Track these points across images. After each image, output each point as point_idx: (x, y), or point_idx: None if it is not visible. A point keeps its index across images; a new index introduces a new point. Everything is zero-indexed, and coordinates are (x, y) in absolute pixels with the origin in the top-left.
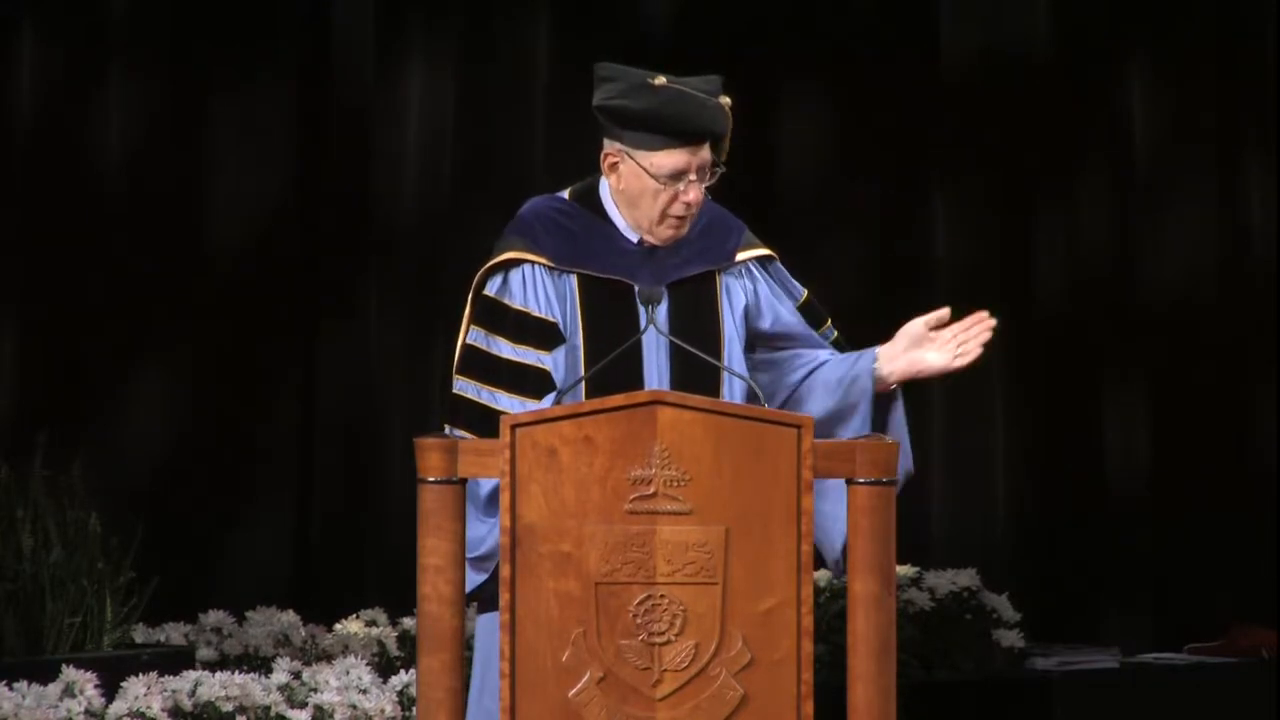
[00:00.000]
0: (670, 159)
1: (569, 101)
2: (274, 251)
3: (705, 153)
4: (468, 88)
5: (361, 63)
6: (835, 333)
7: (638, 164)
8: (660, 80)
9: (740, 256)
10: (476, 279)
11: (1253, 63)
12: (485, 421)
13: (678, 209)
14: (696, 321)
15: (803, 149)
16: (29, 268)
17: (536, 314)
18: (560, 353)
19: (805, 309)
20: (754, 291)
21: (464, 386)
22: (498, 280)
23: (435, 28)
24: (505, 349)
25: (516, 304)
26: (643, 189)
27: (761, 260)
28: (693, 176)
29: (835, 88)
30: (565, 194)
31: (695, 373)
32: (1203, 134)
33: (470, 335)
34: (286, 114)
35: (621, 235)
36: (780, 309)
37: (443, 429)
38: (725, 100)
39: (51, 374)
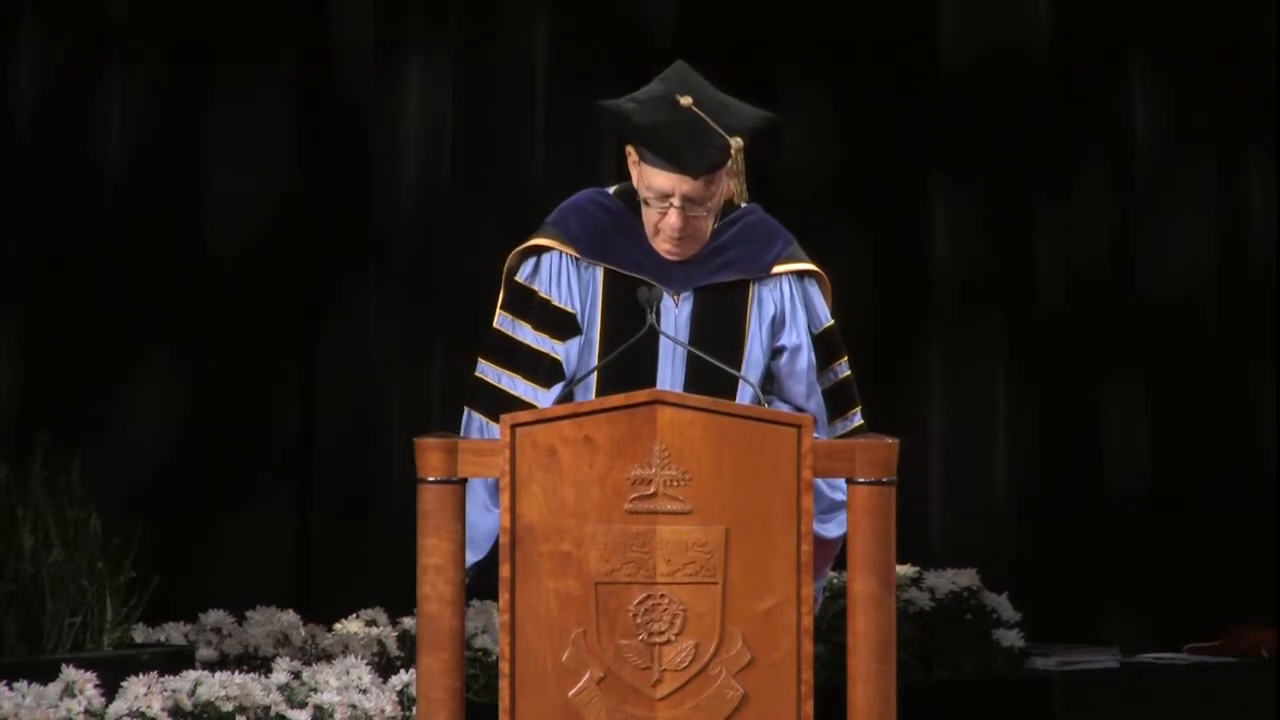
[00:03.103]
0: (658, 178)
1: (569, 101)
2: (274, 251)
3: (697, 185)
4: (467, 88)
5: (361, 63)
6: (847, 371)
7: (639, 172)
8: (686, 101)
9: (778, 269)
10: (508, 263)
11: (1253, 63)
12: (501, 406)
13: (664, 228)
14: (719, 328)
15: (803, 148)
16: (29, 268)
17: (557, 303)
18: (575, 343)
19: (821, 339)
20: (782, 306)
21: (485, 370)
22: (529, 266)
23: (435, 27)
24: (528, 335)
25: (542, 291)
26: (644, 199)
27: (800, 275)
28: (676, 203)
29: (835, 87)
30: (612, 189)
31: (710, 377)
32: (1203, 134)
33: (498, 320)
34: (286, 114)
35: None
36: (789, 337)
37: (462, 410)
38: (736, 141)
39: (52, 374)
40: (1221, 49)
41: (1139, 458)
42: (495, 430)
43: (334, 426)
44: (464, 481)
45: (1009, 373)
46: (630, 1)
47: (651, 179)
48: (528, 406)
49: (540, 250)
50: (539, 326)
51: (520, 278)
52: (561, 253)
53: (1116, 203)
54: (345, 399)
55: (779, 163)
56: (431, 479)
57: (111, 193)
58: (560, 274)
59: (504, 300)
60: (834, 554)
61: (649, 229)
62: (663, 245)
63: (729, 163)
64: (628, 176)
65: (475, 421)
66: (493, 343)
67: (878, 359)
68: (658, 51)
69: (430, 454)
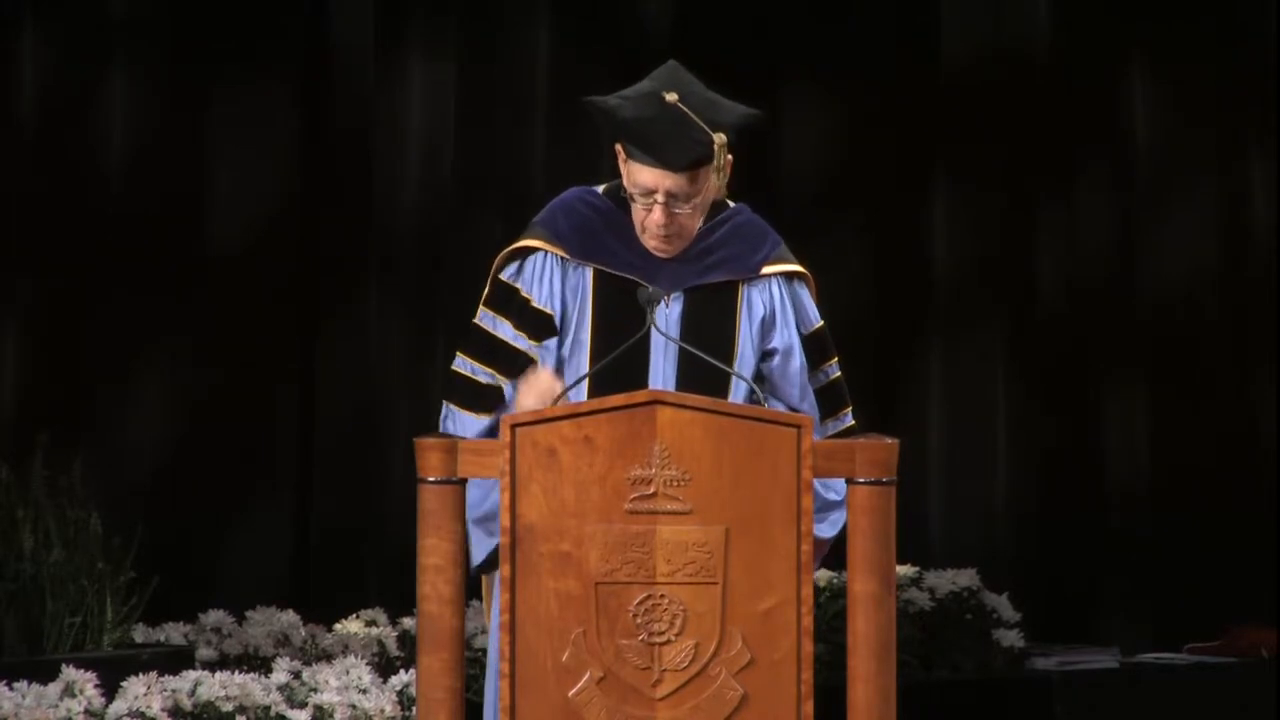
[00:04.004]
0: (642, 174)
1: (569, 102)
2: (274, 251)
3: (680, 180)
4: (468, 88)
5: (362, 62)
6: (837, 372)
7: (626, 169)
8: (672, 97)
9: (766, 270)
10: (496, 262)
11: (1253, 62)
12: (473, 397)
13: (649, 224)
14: (709, 328)
15: (802, 149)
16: (30, 267)
17: (536, 304)
18: (551, 344)
19: (811, 339)
20: (771, 307)
21: (460, 364)
22: (514, 266)
23: (435, 28)
24: (507, 332)
25: (524, 290)
26: (629, 195)
27: (788, 277)
28: (660, 199)
29: (835, 87)
30: (600, 188)
31: (701, 378)
32: (1203, 133)
33: (480, 316)
34: (287, 114)
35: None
36: (780, 339)
37: (440, 404)
38: (719, 137)
39: (52, 374)
40: (1222, 49)
41: (1139, 458)
42: (467, 419)
43: (334, 427)
44: (464, 481)
45: (1009, 373)
46: (630, 2)
47: (636, 175)
48: (499, 399)
49: (528, 251)
50: (518, 325)
51: (505, 276)
52: (548, 253)
53: (1116, 202)
54: (345, 399)
55: (779, 163)
56: (431, 479)
57: (112, 192)
58: (544, 275)
59: (487, 297)
60: (824, 553)
61: (637, 226)
62: (650, 242)
63: (713, 159)
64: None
65: (449, 414)
66: (471, 337)
67: (878, 359)
68: (657, 52)
69: (430, 454)
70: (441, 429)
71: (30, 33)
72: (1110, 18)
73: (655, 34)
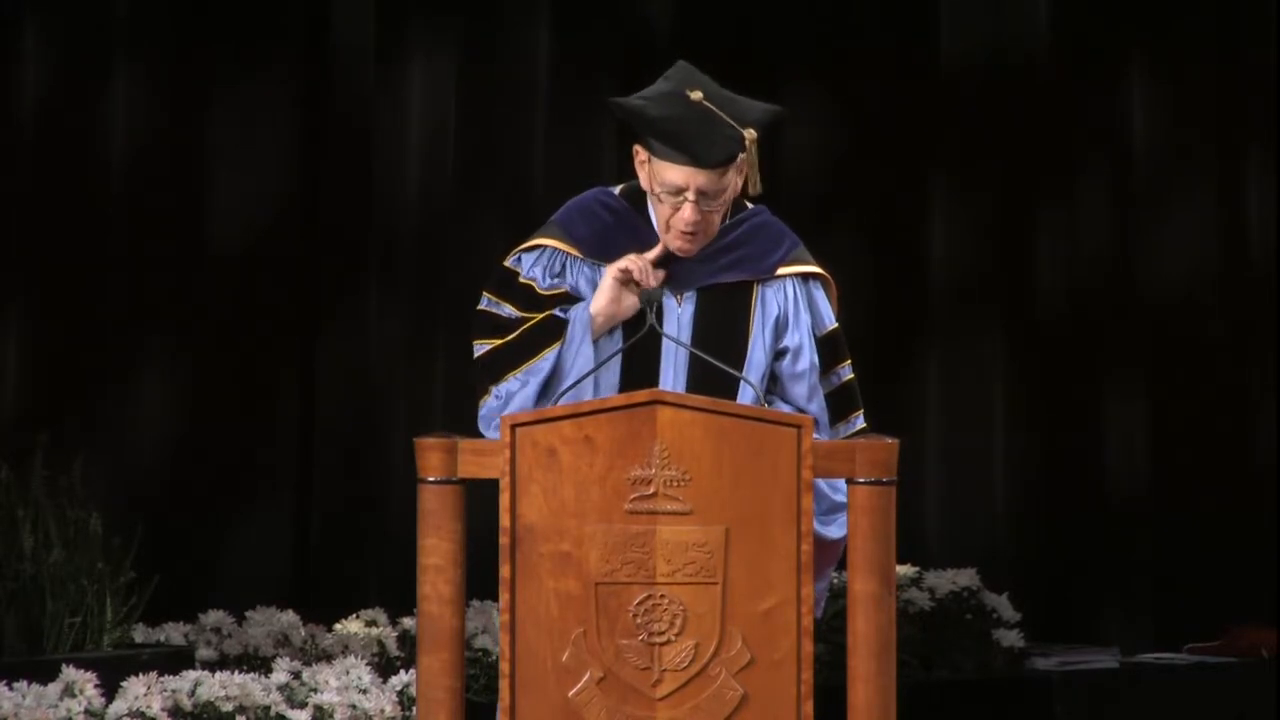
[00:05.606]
0: (671, 173)
1: (570, 101)
2: (274, 251)
3: (711, 177)
4: (468, 87)
5: (362, 62)
6: (850, 375)
7: (651, 169)
8: (697, 95)
9: (782, 271)
10: (507, 258)
11: (1253, 63)
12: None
13: (678, 223)
14: (722, 328)
15: (802, 149)
16: (31, 267)
17: (540, 290)
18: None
19: (824, 341)
20: (785, 307)
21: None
22: (527, 259)
23: (435, 28)
24: (509, 311)
25: (524, 276)
26: (655, 195)
27: (804, 278)
28: (691, 196)
29: (835, 88)
30: (617, 189)
31: (713, 378)
32: (1202, 134)
33: (483, 302)
34: (288, 114)
35: (657, 235)
36: (792, 338)
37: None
38: (750, 133)
39: (52, 374)
40: (1222, 49)
41: (1139, 458)
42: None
43: (334, 426)
44: (464, 482)
45: (1009, 373)
46: (630, 2)
47: (664, 174)
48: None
49: (539, 247)
50: (526, 310)
51: (509, 264)
52: (559, 251)
53: (1117, 203)
54: (346, 399)
55: (778, 164)
56: (431, 479)
57: (113, 193)
58: (551, 268)
59: (490, 284)
60: (837, 555)
61: (660, 225)
62: (674, 241)
63: (742, 154)
64: (629, 175)
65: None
66: (478, 319)
67: (878, 359)
68: (658, 51)
69: (430, 454)
70: (486, 383)
71: (30, 32)
72: (1110, 18)
73: (655, 34)
